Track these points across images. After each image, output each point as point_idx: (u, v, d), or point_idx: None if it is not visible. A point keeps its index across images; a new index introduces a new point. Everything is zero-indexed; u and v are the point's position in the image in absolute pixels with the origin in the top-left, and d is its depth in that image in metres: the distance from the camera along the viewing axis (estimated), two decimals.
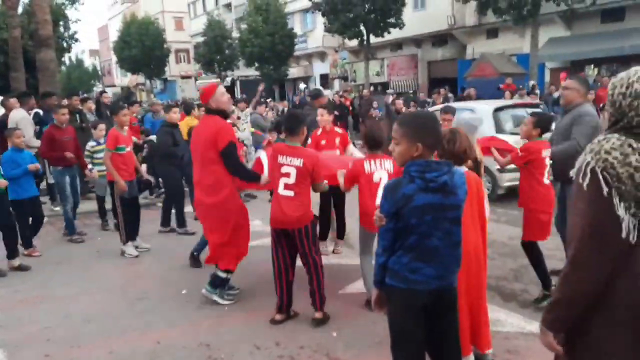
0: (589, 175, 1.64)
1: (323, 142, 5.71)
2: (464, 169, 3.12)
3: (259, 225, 6.32)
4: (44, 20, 10.67)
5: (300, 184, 4.00)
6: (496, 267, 5.24)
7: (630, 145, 1.61)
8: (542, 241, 4.35)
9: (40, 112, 8.56)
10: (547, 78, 19.28)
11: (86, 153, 7.22)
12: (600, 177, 1.62)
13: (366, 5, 21.26)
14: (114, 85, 56.07)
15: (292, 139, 4.09)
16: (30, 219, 6.33)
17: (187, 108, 8.71)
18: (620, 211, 1.60)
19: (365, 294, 4.43)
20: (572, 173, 1.76)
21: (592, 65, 19.20)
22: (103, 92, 10.58)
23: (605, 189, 1.61)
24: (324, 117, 5.75)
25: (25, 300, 4.97)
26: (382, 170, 4.17)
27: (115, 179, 5.99)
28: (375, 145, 4.25)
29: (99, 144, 7.09)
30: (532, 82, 15.50)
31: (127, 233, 6.21)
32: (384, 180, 4.12)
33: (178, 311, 4.58)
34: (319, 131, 5.80)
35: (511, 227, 6.38)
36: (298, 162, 3.98)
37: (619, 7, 17.39)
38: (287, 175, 4.02)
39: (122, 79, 52.59)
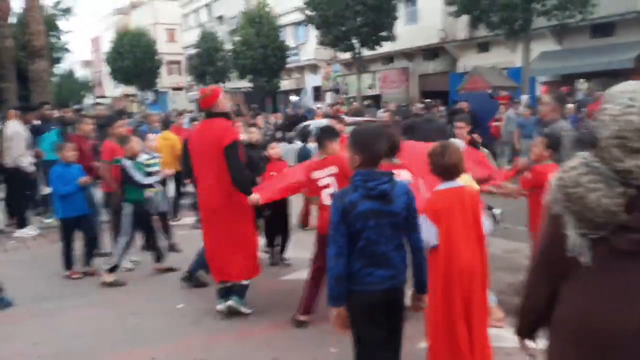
0: (553, 192, 1.65)
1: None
2: (458, 183, 3.08)
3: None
4: (38, 30, 10.62)
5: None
6: (494, 281, 5.15)
7: (588, 165, 1.56)
8: None
9: (39, 122, 8.49)
10: (538, 92, 19.45)
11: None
12: (555, 195, 1.63)
13: (358, 19, 21.39)
14: (104, 97, 55.90)
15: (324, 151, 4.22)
16: (83, 238, 5.95)
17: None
18: (569, 230, 1.59)
19: None
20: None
21: (583, 80, 19.43)
22: (97, 104, 10.55)
23: (557, 207, 1.62)
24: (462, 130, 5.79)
25: (13, 315, 4.85)
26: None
27: (114, 190, 5.93)
28: (390, 152, 4.24)
29: (153, 157, 6.53)
30: (526, 96, 15.59)
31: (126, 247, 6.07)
32: None
33: (172, 326, 4.49)
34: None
35: (507, 240, 6.36)
36: (333, 169, 4.11)
37: (609, 23, 17.63)
38: (328, 186, 4.10)
39: (114, 90, 52.42)
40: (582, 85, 19.34)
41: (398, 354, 2.70)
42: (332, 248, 2.47)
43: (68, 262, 5.86)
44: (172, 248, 6.64)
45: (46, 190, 8.67)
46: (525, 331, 1.90)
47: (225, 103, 4.47)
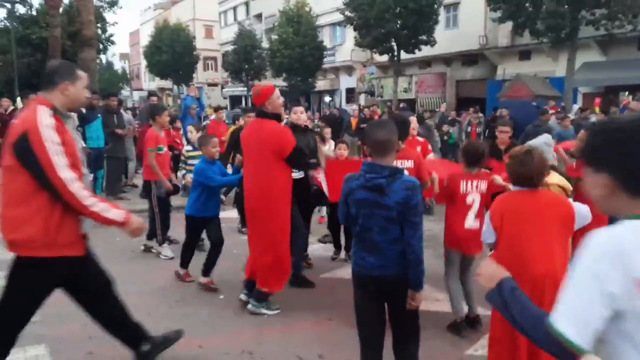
0: None
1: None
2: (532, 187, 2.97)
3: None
4: (88, 20, 10.87)
5: None
6: None
7: None
8: None
9: (84, 110, 8.64)
10: (580, 102, 18.99)
11: (182, 158, 7.04)
12: None
13: (399, 22, 21.26)
14: (141, 89, 56.95)
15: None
16: (208, 243, 5.40)
17: (153, 111, 6.62)
18: None
19: (451, 315, 4.27)
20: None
21: (627, 92, 18.89)
22: (150, 95, 10.71)
23: None
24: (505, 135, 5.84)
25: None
26: (476, 193, 4.11)
27: (160, 179, 6.06)
28: (473, 161, 4.14)
29: (195, 149, 6.53)
30: (577, 105, 15.24)
31: (164, 234, 6.25)
32: (476, 204, 4.08)
33: (217, 317, 4.53)
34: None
35: None
36: (409, 164, 4.26)
37: None
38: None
39: (150, 83, 53.40)
40: (626, 97, 18.82)
41: (413, 338, 2.85)
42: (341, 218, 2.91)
43: (185, 262, 5.43)
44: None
45: (89, 176, 8.86)
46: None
47: (277, 103, 4.31)
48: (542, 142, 4.13)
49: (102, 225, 2.94)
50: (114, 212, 2.85)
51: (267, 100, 4.26)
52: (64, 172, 2.64)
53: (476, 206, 4.09)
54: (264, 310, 4.53)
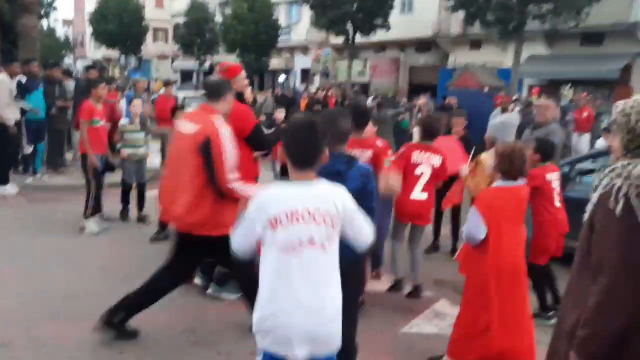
0: (621, 201, 1.61)
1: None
2: (518, 182, 3.12)
3: None
4: None
5: None
6: None
7: None
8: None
9: (24, 79, 8.19)
10: (525, 94, 19.73)
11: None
12: (635, 203, 1.60)
13: (355, 4, 21.25)
14: (85, 57, 54.34)
15: (358, 133, 3.91)
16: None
17: (89, 83, 6.62)
18: None
19: (386, 294, 4.59)
20: (594, 197, 1.72)
21: (569, 86, 19.76)
22: (92, 66, 10.21)
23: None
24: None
25: None
26: (426, 166, 4.28)
27: (87, 153, 5.90)
28: (429, 134, 4.35)
29: (131, 122, 6.50)
30: (515, 96, 15.77)
31: (94, 207, 6.10)
32: (425, 177, 4.24)
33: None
34: None
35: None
36: (369, 153, 4.06)
37: (599, 32, 17.95)
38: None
39: (95, 51, 51.05)
40: (567, 91, 19.68)
41: (348, 330, 2.73)
42: None
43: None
44: (142, 220, 6.60)
45: (28, 149, 8.46)
46: (599, 356, 1.68)
47: (243, 83, 4.33)
48: (501, 121, 4.29)
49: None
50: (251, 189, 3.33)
51: (233, 79, 4.21)
52: (230, 175, 3.40)
53: (424, 179, 4.26)
54: (224, 295, 4.46)
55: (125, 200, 6.64)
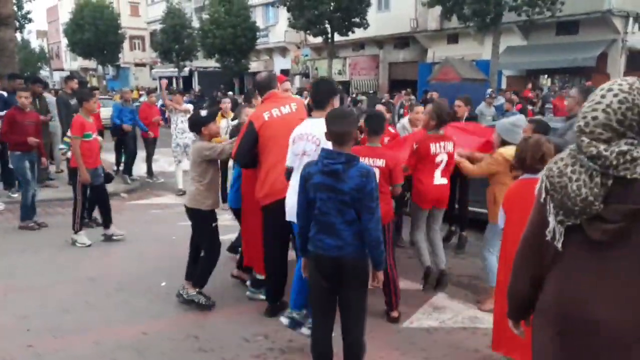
0: (541, 182, 1.76)
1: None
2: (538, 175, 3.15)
3: (229, 220, 6.22)
4: None
5: (381, 186, 3.76)
6: (467, 266, 5.44)
7: (573, 157, 1.67)
8: None
9: (5, 94, 8.06)
10: (504, 85, 19.98)
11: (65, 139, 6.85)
12: (542, 184, 1.73)
13: (332, 4, 21.29)
14: (62, 69, 53.58)
15: (373, 140, 4.05)
16: None
17: (81, 97, 6.31)
18: (550, 217, 1.69)
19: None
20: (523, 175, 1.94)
21: (546, 75, 20.06)
22: (71, 77, 10.08)
23: (543, 195, 1.72)
24: (422, 115, 5.73)
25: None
26: (444, 153, 4.47)
27: (79, 168, 5.83)
28: (439, 123, 4.46)
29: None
30: (490, 90, 15.95)
31: (81, 222, 6.08)
32: (444, 163, 4.46)
33: (160, 303, 4.44)
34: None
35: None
36: (380, 162, 3.92)
37: (574, 21, 18.22)
38: None
39: (72, 63, 50.39)
40: (545, 81, 19.98)
41: (358, 324, 2.94)
42: (297, 208, 2.94)
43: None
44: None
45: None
46: (514, 314, 1.99)
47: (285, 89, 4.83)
48: (509, 122, 4.27)
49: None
50: None
51: (280, 85, 4.57)
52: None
53: (443, 165, 4.47)
54: (262, 296, 4.45)
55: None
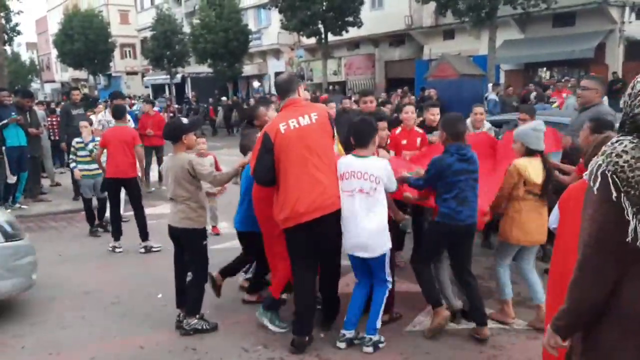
0: (599, 178, 1.62)
1: (404, 142, 5.28)
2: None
3: (226, 227, 5.98)
4: None
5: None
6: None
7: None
8: None
9: None
10: (502, 79, 19.76)
11: (71, 150, 7.03)
12: (610, 180, 1.59)
13: (324, 3, 21.05)
14: (53, 81, 53.25)
15: (362, 152, 3.63)
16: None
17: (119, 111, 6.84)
18: (629, 216, 1.57)
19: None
20: (585, 176, 1.72)
21: (545, 68, 19.88)
22: (75, 88, 10.22)
23: (614, 193, 1.58)
24: (410, 115, 5.40)
25: None
26: None
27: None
28: (457, 136, 3.82)
29: (83, 142, 6.87)
30: (491, 84, 15.76)
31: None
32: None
33: (156, 316, 4.24)
34: (398, 130, 5.38)
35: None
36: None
37: (570, 12, 18.02)
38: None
39: (63, 74, 50.03)
40: (544, 74, 19.80)
41: (469, 272, 3.83)
42: (422, 181, 3.79)
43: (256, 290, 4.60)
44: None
45: (12, 179, 8.03)
46: (578, 326, 1.74)
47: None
48: (531, 128, 3.93)
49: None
50: None
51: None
52: None
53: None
54: (266, 322, 4.02)
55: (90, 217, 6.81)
